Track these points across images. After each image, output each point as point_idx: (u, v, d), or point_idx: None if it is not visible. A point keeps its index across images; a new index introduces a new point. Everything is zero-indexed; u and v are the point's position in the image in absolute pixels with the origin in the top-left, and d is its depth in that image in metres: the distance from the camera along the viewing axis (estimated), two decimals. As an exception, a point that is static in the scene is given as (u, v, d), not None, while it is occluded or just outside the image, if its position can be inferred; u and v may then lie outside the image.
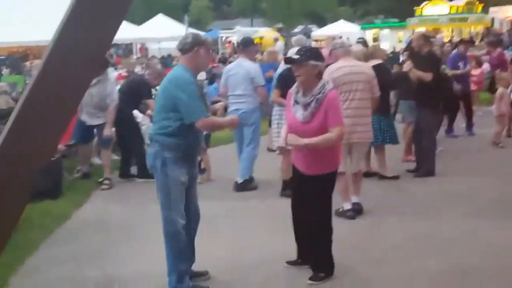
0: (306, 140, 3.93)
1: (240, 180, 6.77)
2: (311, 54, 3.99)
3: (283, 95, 5.54)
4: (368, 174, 6.95)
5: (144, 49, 33.39)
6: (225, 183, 6.95)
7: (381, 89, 5.85)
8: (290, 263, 4.44)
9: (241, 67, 6.77)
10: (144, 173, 7.31)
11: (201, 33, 30.36)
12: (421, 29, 27.53)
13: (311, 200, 4.12)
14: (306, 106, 3.97)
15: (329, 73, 5.27)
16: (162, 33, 29.38)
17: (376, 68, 6.60)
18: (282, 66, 6.56)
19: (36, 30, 14.51)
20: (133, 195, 6.80)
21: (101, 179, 7.20)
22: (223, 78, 7.08)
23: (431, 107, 7.04)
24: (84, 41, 2.64)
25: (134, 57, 26.07)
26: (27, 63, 15.45)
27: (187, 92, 3.73)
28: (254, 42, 7.79)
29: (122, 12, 2.80)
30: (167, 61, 22.05)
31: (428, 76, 6.89)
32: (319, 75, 4.01)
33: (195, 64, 3.91)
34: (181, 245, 3.94)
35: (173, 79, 3.84)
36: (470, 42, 10.29)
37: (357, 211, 5.62)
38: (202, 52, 3.89)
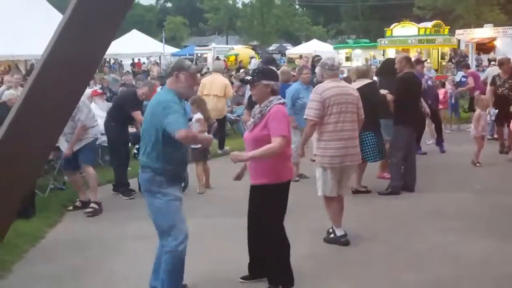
0: (250, 154, 4.07)
1: None
2: (263, 74, 4.21)
3: None
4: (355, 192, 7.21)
5: (140, 64, 33.31)
6: (203, 200, 6.96)
7: (373, 108, 5.90)
8: (244, 278, 4.50)
9: None
10: (124, 192, 7.35)
11: (176, 49, 30.28)
12: (391, 50, 28.23)
13: (257, 211, 4.23)
14: (253, 117, 4.18)
15: (319, 92, 5.28)
16: (136, 48, 29.37)
17: (368, 86, 6.97)
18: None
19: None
20: (109, 212, 6.72)
21: (77, 200, 6.94)
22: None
23: (404, 125, 7.22)
24: (75, 57, 2.69)
25: (110, 72, 25.94)
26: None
27: (170, 109, 3.86)
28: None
29: (113, 29, 2.86)
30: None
31: (389, 97, 7.17)
32: (273, 93, 4.16)
33: (176, 87, 4.06)
34: (182, 267, 4.06)
35: (158, 104, 3.97)
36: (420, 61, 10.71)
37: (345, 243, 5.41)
38: (182, 77, 4.03)
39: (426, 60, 17.66)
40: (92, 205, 6.64)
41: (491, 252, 5.16)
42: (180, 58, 4.52)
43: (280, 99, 4.20)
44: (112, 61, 32.42)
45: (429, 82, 10.48)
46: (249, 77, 4.30)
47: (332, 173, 5.28)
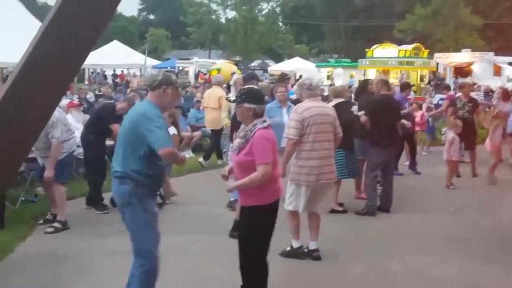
0: (238, 182, 4.07)
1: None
2: (246, 96, 4.14)
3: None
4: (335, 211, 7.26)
5: (124, 76, 33.07)
6: (180, 216, 6.87)
7: (345, 126, 6.07)
8: None
9: None
10: (98, 206, 7.20)
11: (157, 62, 30.21)
12: (372, 70, 28.59)
13: (243, 232, 4.20)
14: (240, 138, 4.16)
15: (299, 112, 5.37)
16: (117, 59, 29.16)
17: (342, 105, 7.20)
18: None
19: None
20: (82, 227, 6.54)
21: (49, 213, 6.74)
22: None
23: (378, 146, 7.27)
24: (53, 65, 2.61)
25: (86, 82, 25.75)
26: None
27: (157, 123, 3.82)
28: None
29: (94, 39, 2.79)
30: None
31: (363, 118, 7.31)
32: (255, 115, 4.12)
33: (162, 102, 4.01)
34: (154, 285, 3.97)
35: (143, 114, 3.88)
36: (408, 85, 10.96)
37: (316, 258, 5.48)
38: (170, 92, 4.00)
39: (414, 85, 17.94)
40: (55, 224, 6.41)
41: (468, 274, 5.18)
42: (166, 72, 4.43)
43: (264, 121, 4.13)
44: (91, 70, 32.20)
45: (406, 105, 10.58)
46: (234, 98, 4.30)
47: (306, 190, 5.38)
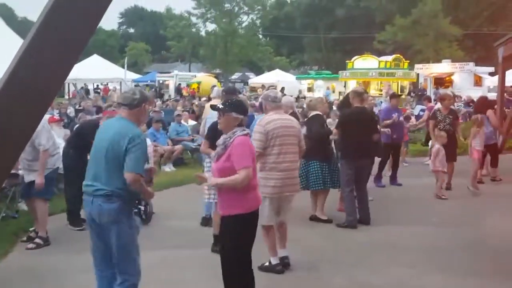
0: (219, 180, 4.10)
1: None
2: (235, 107, 4.21)
3: (212, 146, 5.67)
4: (315, 219, 7.40)
5: (108, 90, 32.80)
6: (161, 231, 6.82)
7: (318, 138, 6.22)
8: None
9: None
10: (75, 222, 7.10)
11: (137, 76, 30.11)
12: (352, 82, 28.86)
13: (225, 242, 4.21)
14: (218, 147, 4.20)
15: (263, 124, 5.42)
16: (97, 73, 28.99)
17: (313, 118, 7.47)
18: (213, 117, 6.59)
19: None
20: (63, 243, 6.46)
21: (31, 229, 6.64)
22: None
23: (345, 159, 7.31)
24: (36, 82, 2.60)
25: (66, 97, 25.52)
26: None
27: (142, 149, 3.93)
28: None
29: (76, 54, 2.79)
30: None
31: (334, 132, 7.48)
32: (239, 125, 4.19)
33: (139, 118, 4.13)
34: None
35: (126, 134, 3.89)
36: (395, 95, 10.95)
37: (286, 265, 5.56)
38: (146, 108, 4.17)
39: (401, 94, 18.09)
40: (37, 240, 6.34)
41: (451, 287, 5.21)
42: (139, 88, 4.54)
43: (244, 130, 4.20)
44: (71, 86, 31.93)
45: (401, 118, 10.42)
46: (221, 105, 4.28)
47: (271, 203, 5.41)
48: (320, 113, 7.71)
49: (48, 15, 2.60)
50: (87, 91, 31.92)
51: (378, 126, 8.31)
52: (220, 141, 4.21)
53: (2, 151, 2.70)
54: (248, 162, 4.07)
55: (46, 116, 8.66)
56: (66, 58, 2.75)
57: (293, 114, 7.16)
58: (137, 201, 6.42)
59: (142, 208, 7.02)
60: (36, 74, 2.63)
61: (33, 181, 6.26)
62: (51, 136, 6.57)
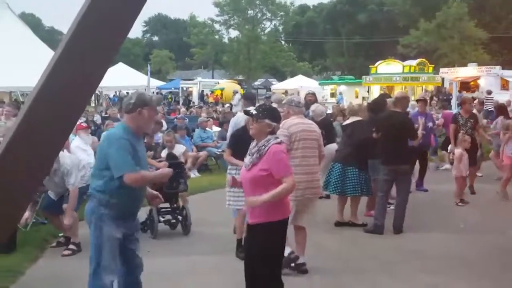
0: (265, 197, 3.94)
1: None
2: (268, 113, 4.17)
3: (235, 154, 5.77)
4: (340, 224, 7.41)
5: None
6: (191, 237, 6.87)
7: (358, 144, 6.40)
8: None
9: None
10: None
11: (161, 83, 30.37)
12: (376, 87, 28.63)
13: (256, 251, 4.08)
14: (251, 155, 4.11)
15: (286, 127, 5.47)
16: (122, 81, 29.41)
17: (356, 123, 7.56)
18: (237, 124, 6.61)
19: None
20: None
21: (60, 235, 6.80)
22: None
23: (382, 163, 7.24)
24: (68, 90, 2.67)
25: (92, 104, 25.87)
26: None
27: (116, 146, 3.84)
28: None
29: (107, 62, 2.86)
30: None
31: (375, 136, 7.38)
32: (271, 133, 4.15)
33: (137, 124, 3.98)
34: None
35: (107, 137, 4.04)
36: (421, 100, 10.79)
37: (304, 271, 5.54)
38: (145, 113, 3.97)
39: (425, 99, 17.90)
40: (70, 246, 6.44)
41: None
42: (141, 92, 4.40)
43: (277, 137, 4.16)
44: (97, 93, 32.35)
45: (430, 123, 10.24)
46: (254, 111, 4.22)
47: (293, 205, 5.33)
48: (361, 118, 7.74)
49: (78, 27, 2.68)
50: (121, 99, 32.38)
51: (418, 132, 8.18)
52: (253, 149, 4.13)
53: (36, 160, 2.77)
54: (290, 168, 4.09)
55: (78, 154, 8.21)
56: (99, 65, 2.81)
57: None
58: (177, 212, 6.58)
59: (180, 218, 7.14)
60: (68, 84, 2.70)
61: (61, 198, 6.46)
62: (81, 168, 6.53)
